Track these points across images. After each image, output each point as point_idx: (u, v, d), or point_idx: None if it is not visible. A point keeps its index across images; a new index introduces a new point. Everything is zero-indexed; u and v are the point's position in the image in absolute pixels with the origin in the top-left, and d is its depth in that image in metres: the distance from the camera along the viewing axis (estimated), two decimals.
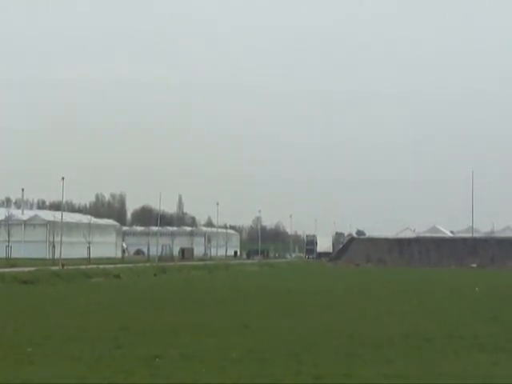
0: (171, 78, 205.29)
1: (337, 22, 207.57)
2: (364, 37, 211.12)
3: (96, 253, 76.90)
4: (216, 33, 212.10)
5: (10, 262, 57.49)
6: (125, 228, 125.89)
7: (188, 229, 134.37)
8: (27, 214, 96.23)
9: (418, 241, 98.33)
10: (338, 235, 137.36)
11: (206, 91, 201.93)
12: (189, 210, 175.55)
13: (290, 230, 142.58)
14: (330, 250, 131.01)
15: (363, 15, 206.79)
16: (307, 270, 69.21)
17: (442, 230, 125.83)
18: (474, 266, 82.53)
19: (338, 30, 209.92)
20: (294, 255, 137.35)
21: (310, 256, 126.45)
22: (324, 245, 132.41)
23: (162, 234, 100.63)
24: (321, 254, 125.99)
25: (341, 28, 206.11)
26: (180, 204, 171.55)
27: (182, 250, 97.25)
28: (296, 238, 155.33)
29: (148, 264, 61.52)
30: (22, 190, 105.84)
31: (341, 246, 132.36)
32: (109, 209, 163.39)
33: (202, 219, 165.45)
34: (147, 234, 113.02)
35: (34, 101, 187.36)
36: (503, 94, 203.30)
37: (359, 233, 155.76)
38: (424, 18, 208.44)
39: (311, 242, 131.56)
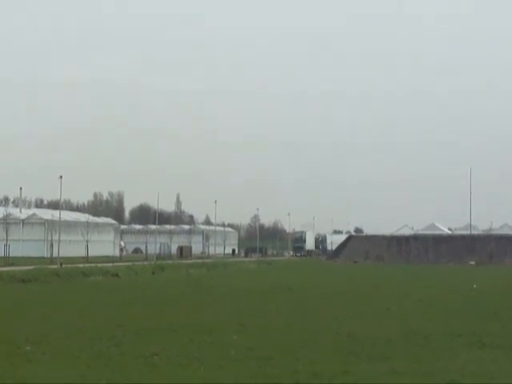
0: (170, 80, 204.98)
1: (345, 22, 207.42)
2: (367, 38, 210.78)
3: (94, 251, 76.82)
4: (217, 36, 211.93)
5: (8, 260, 57.43)
6: (123, 226, 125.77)
7: (186, 227, 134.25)
8: (25, 213, 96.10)
9: (416, 238, 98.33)
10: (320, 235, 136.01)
11: (205, 93, 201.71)
12: (187, 208, 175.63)
13: (288, 228, 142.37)
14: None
15: (367, 15, 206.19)
16: (305, 268, 69.19)
17: (441, 227, 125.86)
18: (473, 263, 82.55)
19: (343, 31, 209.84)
20: (292, 253, 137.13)
21: (298, 254, 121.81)
22: (313, 242, 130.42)
23: (160, 233, 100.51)
24: (309, 252, 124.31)
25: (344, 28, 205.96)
26: (178, 202, 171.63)
27: (180, 249, 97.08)
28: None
29: (146, 262, 61.45)
30: (20, 188, 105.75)
31: (320, 244, 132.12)
32: (107, 207, 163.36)
33: (200, 217, 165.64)
34: (145, 232, 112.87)
35: (33, 101, 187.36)
36: (501, 92, 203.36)
37: (357, 230, 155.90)
38: (423, 15, 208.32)
39: (299, 239, 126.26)
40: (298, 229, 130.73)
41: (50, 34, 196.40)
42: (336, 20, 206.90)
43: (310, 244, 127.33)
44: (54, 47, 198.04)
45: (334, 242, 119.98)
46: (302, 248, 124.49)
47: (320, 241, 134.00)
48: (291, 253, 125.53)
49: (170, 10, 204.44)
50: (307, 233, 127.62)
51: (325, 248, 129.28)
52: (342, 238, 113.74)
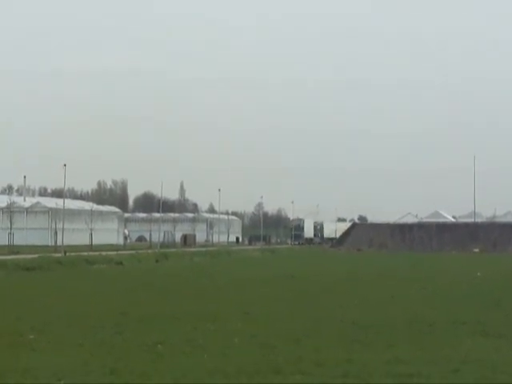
0: (171, 71, 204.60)
1: (334, 12, 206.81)
2: (359, 25, 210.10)
3: (98, 239, 76.92)
4: (216, 26, 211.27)
5: (12, 249, 57.53)
6: (127, 215, 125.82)
7: (190, 215, 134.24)
8: (29, 201, 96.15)
9: (420, 226, 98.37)
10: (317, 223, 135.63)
11: (206, 84, 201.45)
12: (191, 196, 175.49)
13: (291, 216, 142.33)
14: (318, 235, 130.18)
15: (361, 6, 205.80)
16: (308, 256, 69.25)
17: (444, 214, 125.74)
18: (477, 250, 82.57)
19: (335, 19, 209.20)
20: (291, 241, 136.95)
21: (296, 242, 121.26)
22: (312, 230, 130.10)
23: (164, 221, 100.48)
24: (308, 240, 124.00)
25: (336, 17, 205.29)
26: (182, 190, 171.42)
27: (184, 237, 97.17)
28: None
29: (150, 250, 61.54)
30: (24, 177, 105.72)
31: (318, 232, 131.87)
32: (111, 195, 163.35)
33: (203, 206, 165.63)
34: (149, 220, 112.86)
35: (35, 90, 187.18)
36: (503, 79, 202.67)
37: (361, 218, 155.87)
38: (423, 6, 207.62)
39: (298, 227, 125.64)
40: (302, 217, 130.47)
41: (51, 25, 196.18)
42: (336, 19, 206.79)
43: (308, 232, 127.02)
44: (55, 38, 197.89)
45: (338, 229, 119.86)
46: (300, 236, 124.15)
47: (318, 229, 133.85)
48: (291, 241, 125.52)
49: (171, 10, 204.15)
50: (305, 221, 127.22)
51: (322, 236, 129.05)
52: (346, 225, 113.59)
